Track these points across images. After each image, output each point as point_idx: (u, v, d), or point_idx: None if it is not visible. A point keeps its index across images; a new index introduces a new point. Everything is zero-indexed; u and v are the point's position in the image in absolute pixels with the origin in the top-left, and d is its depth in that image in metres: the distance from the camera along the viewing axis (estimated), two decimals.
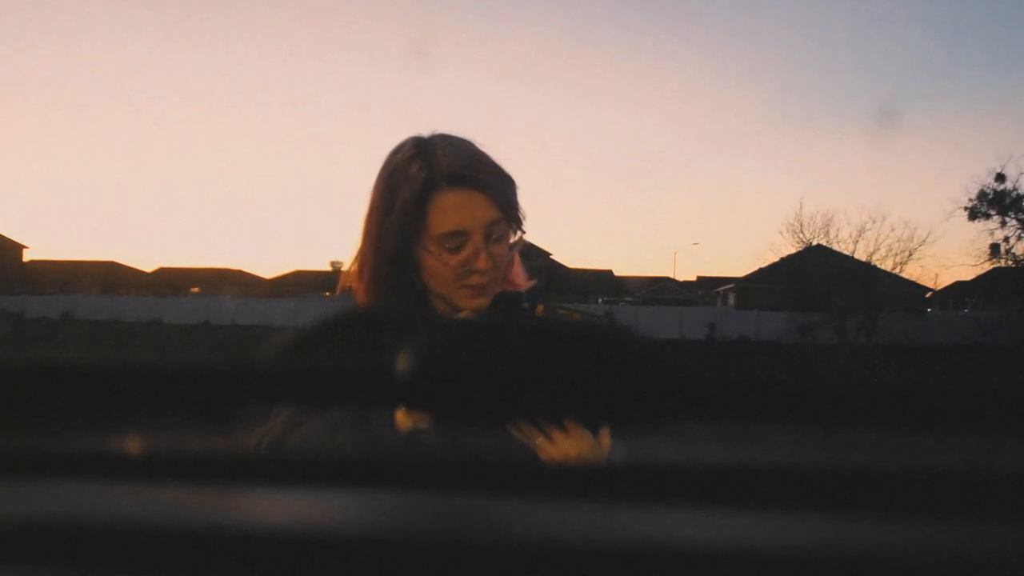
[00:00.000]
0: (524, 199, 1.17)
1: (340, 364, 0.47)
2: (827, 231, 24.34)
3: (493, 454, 0.46)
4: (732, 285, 39.59)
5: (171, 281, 49.28)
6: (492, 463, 0.45)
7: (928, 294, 31.24)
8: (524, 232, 1.13)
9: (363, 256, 1.12)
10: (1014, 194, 22.57)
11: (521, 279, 1.19)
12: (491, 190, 1.07)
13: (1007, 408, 0.43)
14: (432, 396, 0.45)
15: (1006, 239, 23.05)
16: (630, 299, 45.00)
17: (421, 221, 1.05)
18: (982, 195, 22.87)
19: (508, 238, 1.11)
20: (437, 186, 1.04)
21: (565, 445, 0.92)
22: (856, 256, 23.68)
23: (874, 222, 29.84)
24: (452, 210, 1.04)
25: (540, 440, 0.91)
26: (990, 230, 23.18)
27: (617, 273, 52.95)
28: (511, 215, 1.10)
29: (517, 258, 1.17)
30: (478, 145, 1.11)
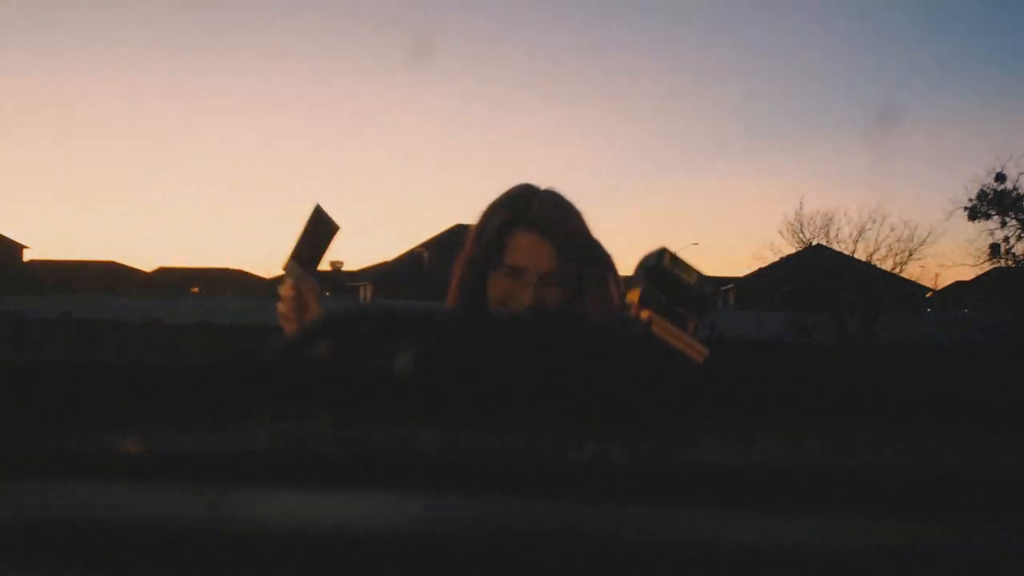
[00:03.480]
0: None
1: (340, 363, 0.47)
2: (827, 231, 24.29)
3: (492, 454, 0.46)
4: (732, 285, 39.58)
5: (171, 281, 49.26)
6: (492, 463, 0.45)
7: (928, 294, 31.20)
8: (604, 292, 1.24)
9: (458, 270, 1.31)
10: (1014, 194, 22.51)
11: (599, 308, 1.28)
12: (560, 243, 1.23)
13: (1007, 408, 0.43)
14: (431, 393, 0.45)
15: (1006, 239, 22.99)
16: None
17: (500, 249, 1.26)
18: (982, 195, 22.81)
19: (567, 286, 1.25)
20: (518, 225, 1.26)
21: None
22: (856, 256, 23.65)
23: (874, 222, 29.71)
24: (519, 248, 1.24)
25: None
26: (990, 230, 23.13)
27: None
28: (567, 270, 1.24)
29: (611, 293, 1.27)
30: (583, 214, 1.29)
